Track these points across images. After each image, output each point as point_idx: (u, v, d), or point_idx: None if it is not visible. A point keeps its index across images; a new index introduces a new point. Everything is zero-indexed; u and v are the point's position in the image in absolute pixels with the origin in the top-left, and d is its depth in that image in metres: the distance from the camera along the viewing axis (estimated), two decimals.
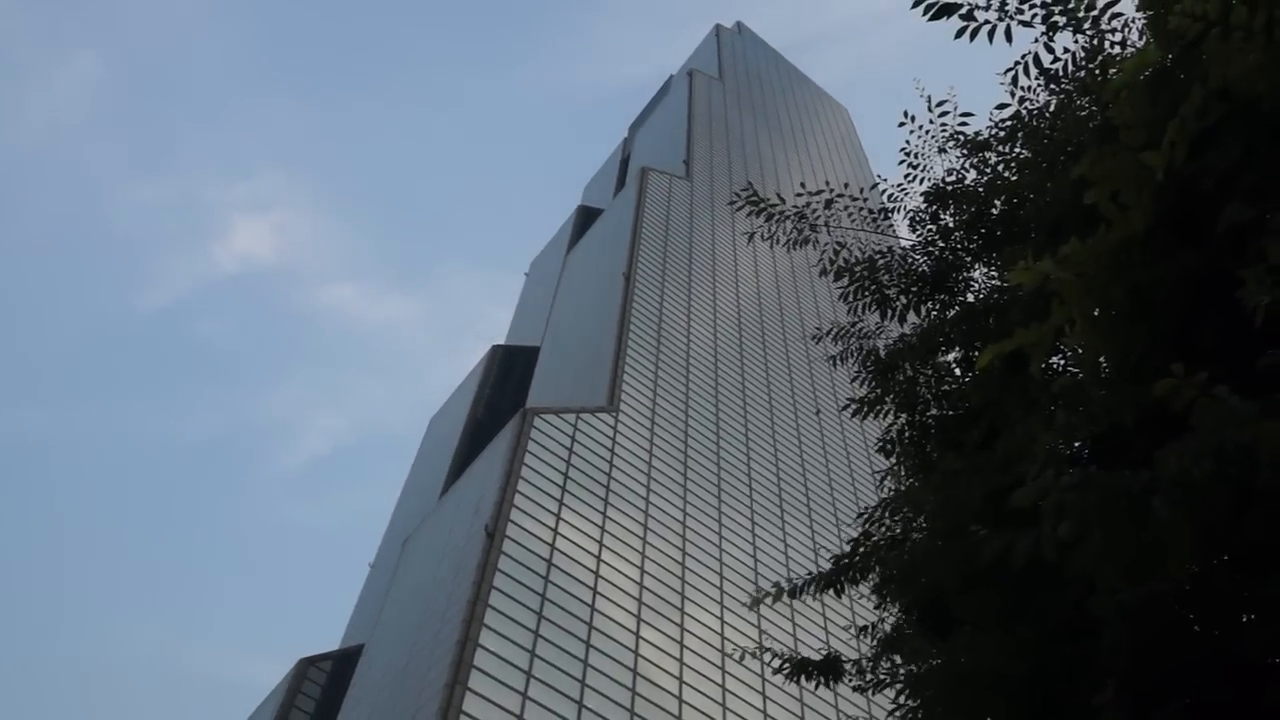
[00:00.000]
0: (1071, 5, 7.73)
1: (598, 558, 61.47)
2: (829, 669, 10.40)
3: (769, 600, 9.51)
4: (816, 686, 10.75)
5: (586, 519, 63.63)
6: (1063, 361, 7.68)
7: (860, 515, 9.68)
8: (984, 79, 9.98)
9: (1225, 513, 4.36)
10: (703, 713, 56.68)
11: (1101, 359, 5.96)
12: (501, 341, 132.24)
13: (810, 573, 9.70)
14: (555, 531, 60.70)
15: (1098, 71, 8.50)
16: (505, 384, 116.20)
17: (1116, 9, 7.62)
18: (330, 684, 74.81)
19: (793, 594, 9.34)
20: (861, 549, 9.24)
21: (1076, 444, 6.43)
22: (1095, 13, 7.69)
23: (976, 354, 9.14)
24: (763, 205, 10.50)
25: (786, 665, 10.68)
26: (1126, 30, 8.33)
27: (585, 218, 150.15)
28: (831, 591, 9.47)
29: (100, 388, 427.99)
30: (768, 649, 11.55)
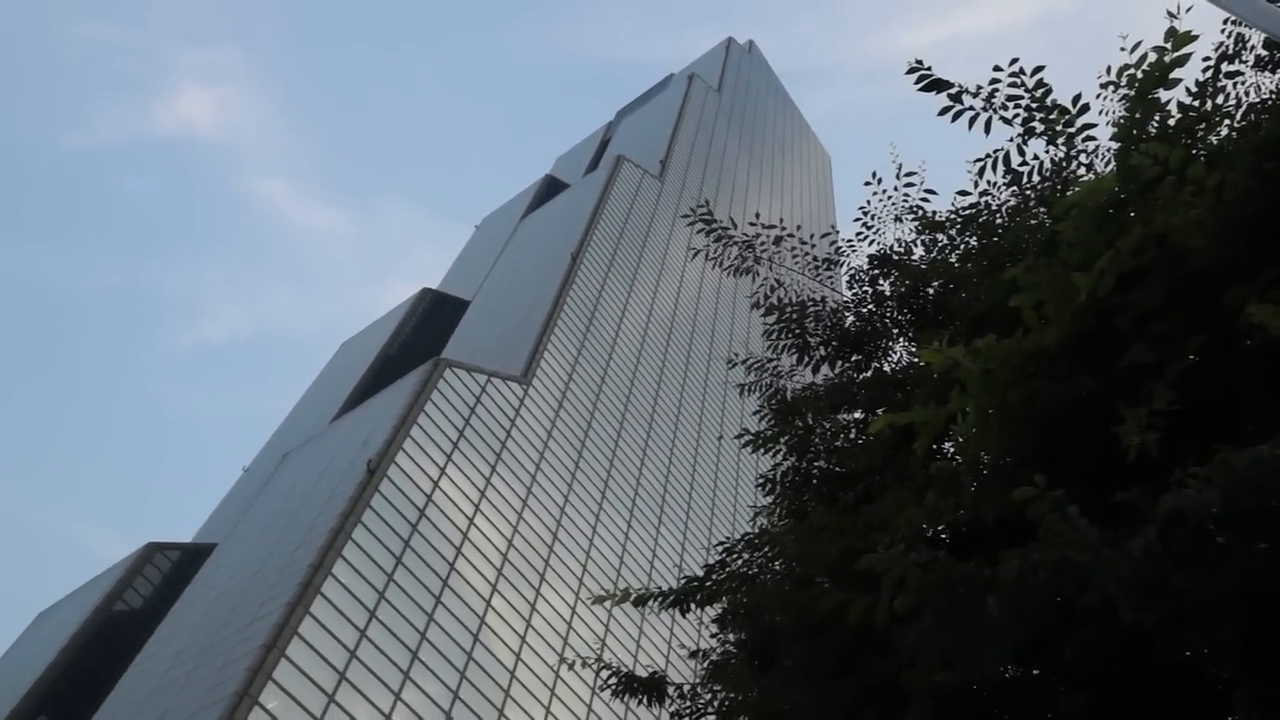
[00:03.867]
0: (1053, 116, 7.94)
1: (470, 519, 61.29)
2: (654, 688, 10.51)
3: (611, 602, 9.63)
4: (639, 704, 10.85)
5: (469, 480, 63.41)
6: (950, 448, 7.88)
7: (722, 543, 9.80)
8: (959, 158, 10.18)
9: (1050, 627, 4.53)
10: (528, 690, 56.89)
11: (983, 455, 6.15)
12: (432, 286, 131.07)
13: (662, 588, 9.81)
14: (435, 484, 60.38)
15: (1059, 187, 8.74)
16: (426, 328, 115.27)
17: (1091, 132, 7.84)
18: (174, 573, 73.45)
19: (638, 602, 9.44)
20: (715, 576, 9.36)
21: (939, 528, 6.62)
22: (1072, 130, 7.90)
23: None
24: (713, 226, 10.57)
25: (614, 680, 10.79)
26: (1095, 155, 8.57)
27: (549, 189, 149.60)
28: (677, 610, 9.60)
29: (3, 217, 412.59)
30: (602, 661, 11.60)
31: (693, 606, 9.46)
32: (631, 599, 9.33)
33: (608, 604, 9.84)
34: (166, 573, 74.42)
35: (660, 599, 9.31)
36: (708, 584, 9.32)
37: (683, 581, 9.58)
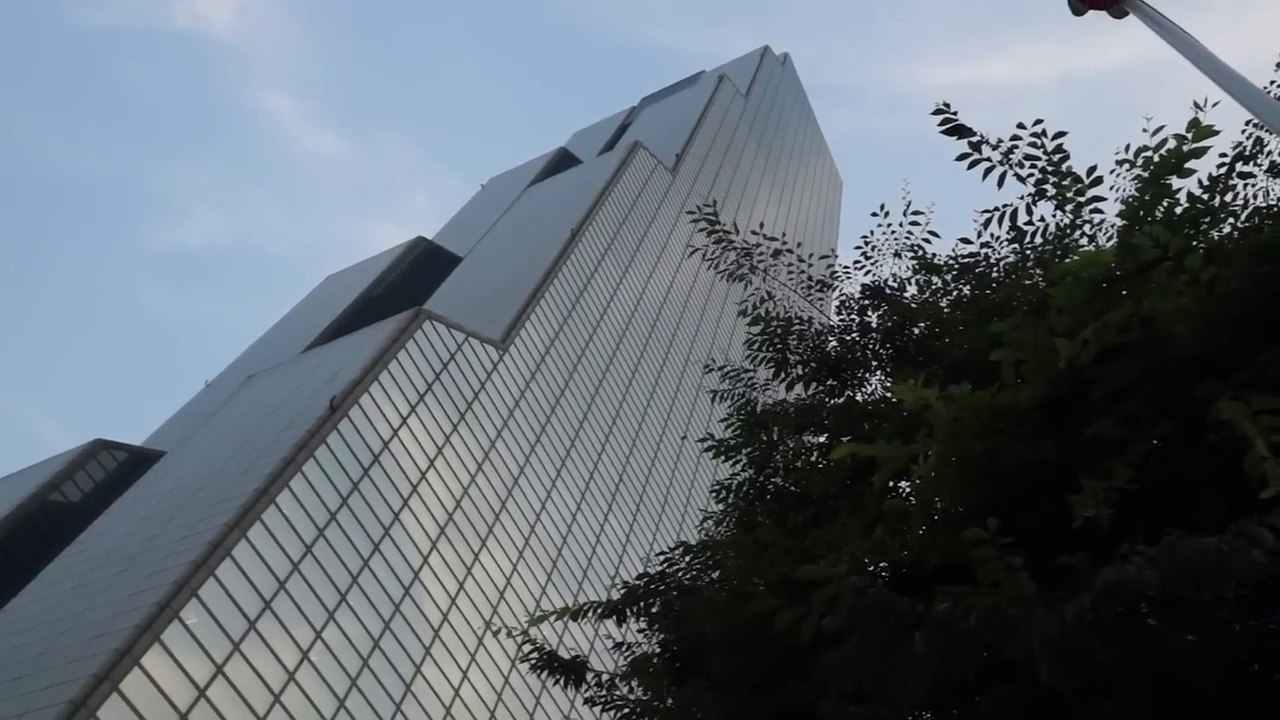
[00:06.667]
0: (1066, 182, 8.02)
1: (422, 473, 61.22)
2: (573, 672, 10.54)
3: (555, 617, 9.67)
4: (556, 684, 10.85)
5: (429, 434, 63.30)
6: (907, 488, 7.95)
7: (663, 553, 9.82)
8: (963, 202, 10.23)
9: (971, 674, 4.60)
10: (449, 651, 57.00)
11: (937, 500, 6.21)
12: (425, 234, 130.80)
13: (613, 582, 9.86)
14: (394, 432, 60.25)
15: (1059, 252, 8.82)
16: (414, 277, 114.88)
17: (1099, 205, 7.92)
18: (117, 474, 72.85)
19: (575, 616, 9.52)
20: (652, 586, 9.39)
21: (881, 564, 6.68)
22: (1081, 199, 7.98)
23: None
24: (716, 229, 10.60)
25: (535, 655, 10.82)
26: (1099, 228, 8.65)
27: (561, 161, 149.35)
28: (613, 619, 9.62)
29: None
30: (526, 635, 11.60)
31: (629, 615, 9.50)
32: (569, 614, 9.42)
33: (552, 619, 9.89)
34: (110, 471, 73.73)
35: (597, 611, 9.38)
36: (646, 591, 9.35)
37: (621, 591, 9.60)
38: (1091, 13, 6.99)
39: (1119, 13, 6.80)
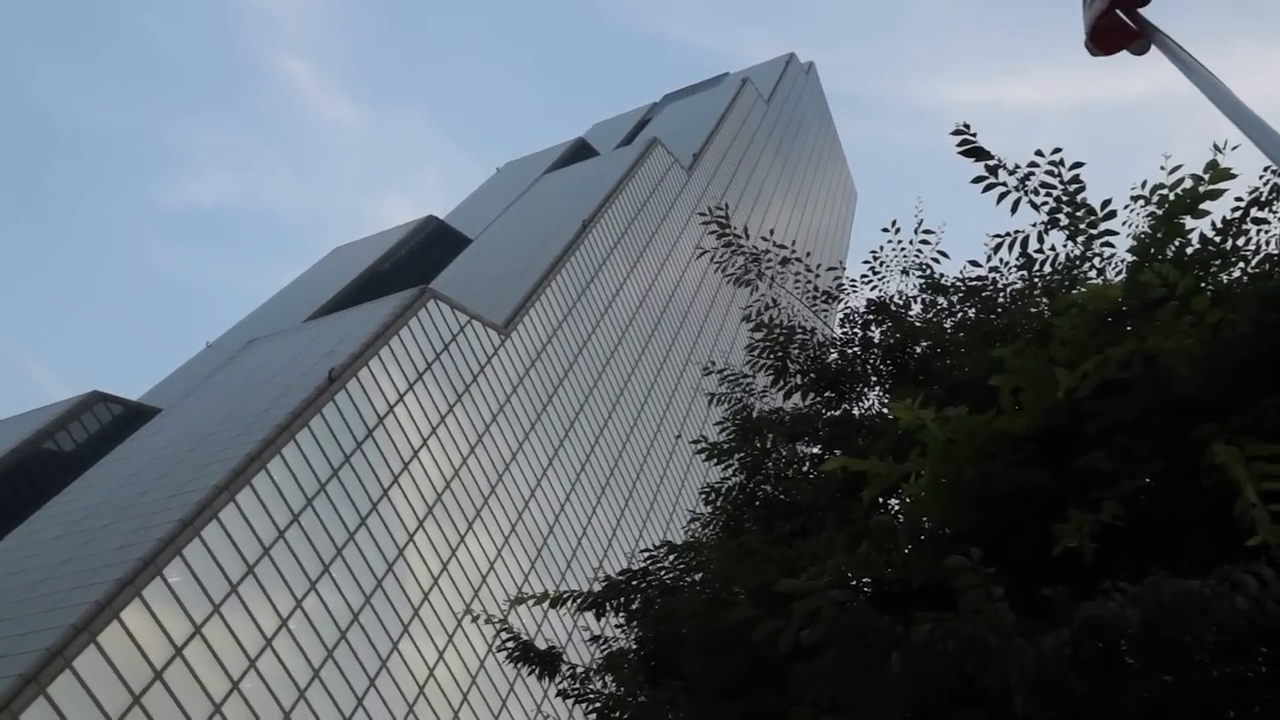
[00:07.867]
0: (1079, 213, 8.00)
1: (414, 451, 61.27)
2: (547, 663, 10.56)
3: (532, 602, 9.68)
4: (530, 674, 10.88)
5: (425, 412, 63.35)
6: (895, 505, 7.94)
7: (647, 550, 9.82)
8: (974, 223, 10.24)
9: (945, 698, 4.60)
10: (428, 631, 57.07)
11: (925, 520, 6.20)
12: (433, 211, 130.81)
13: (595, 575, 9.87)
14: (390, 408, 60.29)
15: (1067, 283, 8.80)
16: (422, 255, 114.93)
17: (1111, 239, 7.91)
18: (111, 426, 72.83)
19: (555, 603, 9.53)
20: (635, 583, 9.40)
21: (864, 580, 6.68)
22: (1094, 232, 7.97)
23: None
24: (726, 232, 10.59)
25: (511, 643, 10.85)
26: (1108, 261, 8.64)
27: (579, 151, 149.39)
28: (592, 612, 9.63)
29: (18, 30, 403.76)
30: (505, 622, 11.62)
31: (608, 609, 9.50)
32: (550, 600, 9.44)
33: (531, 603, 9.91)
34: (105, 424, 73.64)
35: (577, 601, 9.40)
36: (627, 585, 9.36)
37: (603, 584, 9.61)
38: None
39: (1140, 49, 6.77)
